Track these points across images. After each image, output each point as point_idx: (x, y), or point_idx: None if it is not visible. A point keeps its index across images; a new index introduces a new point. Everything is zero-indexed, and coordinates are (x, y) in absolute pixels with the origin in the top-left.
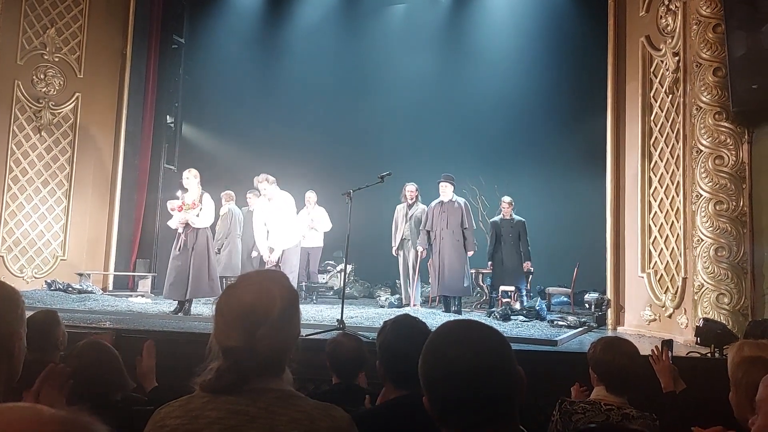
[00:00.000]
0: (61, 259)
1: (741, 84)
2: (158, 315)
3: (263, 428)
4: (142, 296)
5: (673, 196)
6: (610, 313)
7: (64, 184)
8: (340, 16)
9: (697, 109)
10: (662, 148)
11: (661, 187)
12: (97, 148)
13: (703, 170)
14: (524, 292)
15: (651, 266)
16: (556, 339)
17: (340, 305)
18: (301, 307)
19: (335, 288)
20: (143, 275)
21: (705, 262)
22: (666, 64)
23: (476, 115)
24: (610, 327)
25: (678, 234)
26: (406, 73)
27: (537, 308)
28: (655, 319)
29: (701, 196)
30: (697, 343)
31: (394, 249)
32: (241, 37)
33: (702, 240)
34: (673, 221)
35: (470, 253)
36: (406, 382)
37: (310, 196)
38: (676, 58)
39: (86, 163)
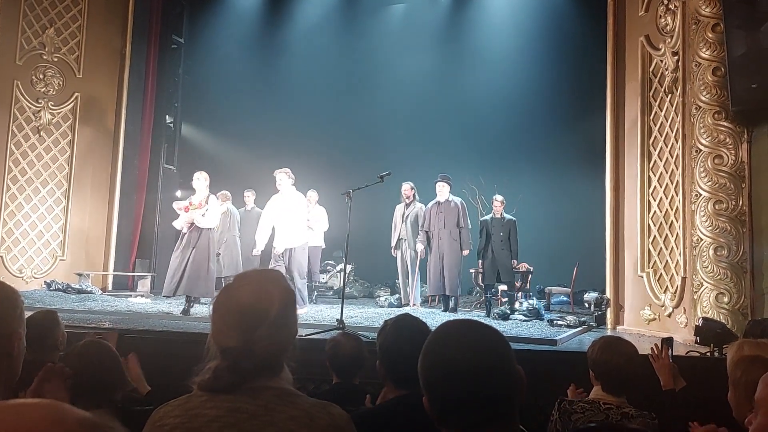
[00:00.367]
0: (61, 259)
1: (740, 83)
2: (158, 315)
3: (262, 425)
4: (142, 296)
5: (672, 196)
6: (609, 313)
7: (63, 184)
8: (340, 16)
9: (696, 108)
10: (661, 147)
11: (661, 187)
12: (96, 148)
13: (702, 170)
14: (515, 292)
15: (650, 265)
16: (555, 338)
17: (340, 305)
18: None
19: (335, 288)
20: (142, 275)
21: (704, 262)
22: (665, 63)
23: (476, 114)
24: (609, 326)
25: (677, 233)
26: (406, 73)
27: (536, 307)
28: (654, 319)
29: (700, 195)
30: (696, 342)
31: (392, 249)
32: (240, 37)
33: (701, 239)
34: (672, 221)
35: (465, 252)
36: (406, 382)
37: (311, 195)
38: (676, 57)
39: (85, 163)
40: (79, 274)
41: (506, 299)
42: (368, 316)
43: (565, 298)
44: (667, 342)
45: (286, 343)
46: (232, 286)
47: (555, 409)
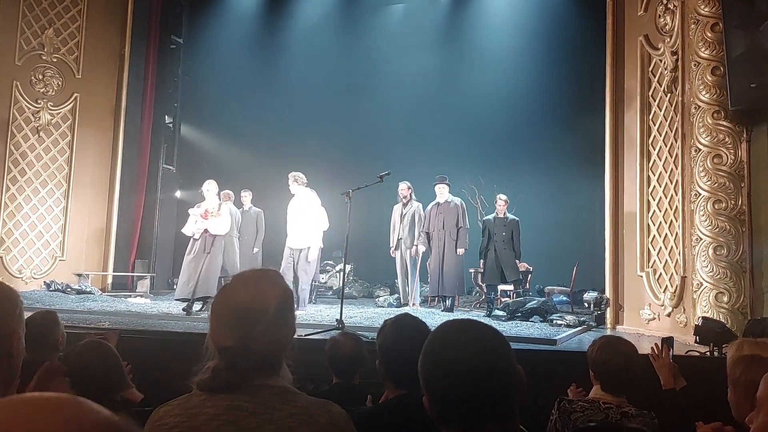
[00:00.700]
0: (60, 260)
1: (739, 83)
2: (157, 315)
3: (262, 423)
4: (141, 296)
5: (671, 195)
6: (609, 312)
7: (62, 184)
8: (339, 16)
9: (695, 108)
10: (661, 147)
11: (660, 186)
12: (95, 149)
13: (701, 169)
14: (521, 289)
15: (650, 265)
16: (555, 338)
17: (340, 305)
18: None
19: (334, 288)
20: (142, 275)
21: (704, 261)
22: (664, 63)
23: (475, 114)
24: (609, 326)
25: (677, 233)
26: (406, 72)
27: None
28: (654, 318)
29: (700, 194)
30: (696, 341)
31: (391, 249)
32: (239, 37)
33: (701, 239)
34: (671, 220)
35: (460, 251)
36: (405, 382)
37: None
38: (675, 57)
39: (85, 164)
40: (79, 275)
41: (506, 298)
42: (368, 316)
43: (564, 298)
44: (668, 342)
45: (284, 341)
46: (229, 286)
47: (555, 409)
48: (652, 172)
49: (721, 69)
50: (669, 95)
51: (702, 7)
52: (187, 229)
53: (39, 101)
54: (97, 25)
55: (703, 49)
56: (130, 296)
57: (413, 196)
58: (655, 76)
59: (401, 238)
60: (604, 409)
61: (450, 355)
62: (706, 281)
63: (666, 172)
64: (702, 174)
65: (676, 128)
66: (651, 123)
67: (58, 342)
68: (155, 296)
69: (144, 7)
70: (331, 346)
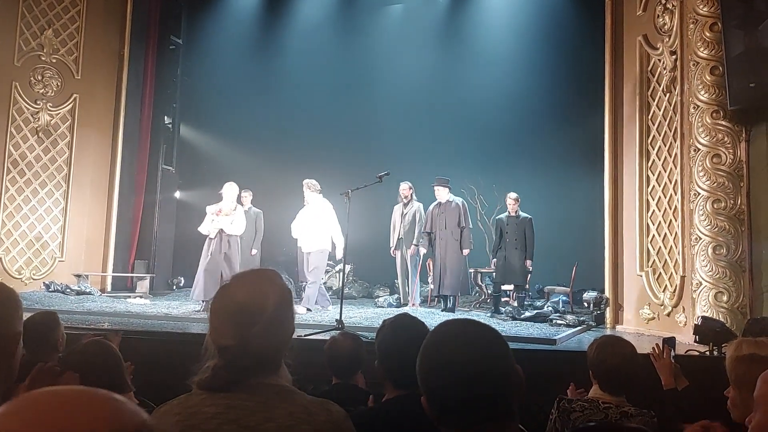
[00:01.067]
0: (60, 261)
1: (738, 82)
2: (156, 316)
3: (261, 421)
4: (141, 297)
5: (671, 195)
6: (608, 312)
7: (62, 185)
8: (338, 17)
9: (694, 107)
10: (660, 146)
11: (659, 186)
12: (94, 150)
13: (700, 169)
14: (523, 293)
15: (649, 265)
16: (555, 338)
17: (339, 305)
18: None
19: (334, 288)
20: (142, 276)
21: (703, 261)
22: (663, 62)
23: (474, 114)
24: (608, 326)
25: (676, 232)
26: (404, 72)
27: (544, 311)
28: (653, 318)
29: (699, 194)
30: (695, 341)
31: (391, 249)
32: (239, 38)
33: (700, 238)
34: (671, 220)
35: (466, 252)
36: (404, 382)
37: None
38: (674, 56)
39: (84, 165)
40: (78, 276)
41: (506, 297)
42: (367, 316)
43: (564, 298)
44: (669, 342)
45: (283, 340)
46: (228, 285)
47: (554, 408)
48: (652, 171)
49: (720, 69)
50: (668, 95)
51: (701, 6)
52: (203, 228)
53: (38, 102)
54: (97, 26)
55: (701, 49)
56: (129, 297)
57: (414, 197)
58: (654, 76)
59: (401, 238)
60: (604, 409)
61: (448, 355)
62: (706, 281)
63: (665, 171)
64: (701, 173)
65: (675, 128)
66: (650, 123)
67: (58, 343)
68: (155, 297)
69: (143, 8)
70: (331, 346)
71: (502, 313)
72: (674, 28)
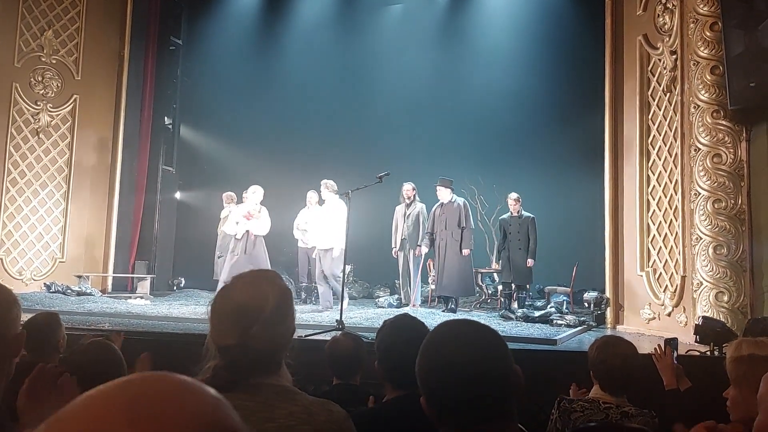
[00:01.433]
0: (60, 261)
1: (738, 82)
2: (157, 316)
3: (262, 421)
4: (141, 298)
5: (671, 195)
6: (609, 312)
7: (62, 186)
8: (338, 17)
9: (694, 107)
10: (660, 146)
11: (660, 186)
12: (94, 150)
13: (701, 168)
14: (524, 293)
15: (650, 265)
16: (555, 338)
17: (340, 305)
18: (300, 307)
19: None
20: (142, 277)
21: (704, 261)
22: (663, 62)
23: (474, 114)
24: (609, 326)
25: (677, 232)
26: (404, 73)
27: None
28: (654, 318)
29: (699, 194)
30: (696, 341)
31: (394, 250)
32: (239, 39)
33: (701, 238)
34: (671, 220)
35: (465, 252)
36: (404, 383)
37: (311, 196)
38: (674, 56)
39: (84, 165)
40: (79, 276)
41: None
42: (368, 316)
43: (564, 298)
44: (671, 343)
45: (284, 340)
46: (228, 286)
47: (555, 408)
48: (652, 171)
49: (720, 68)
50: (668, 95)
51: (701, 6)
52: (229, 229)
53: (38, 103)
54: (97, 26)
55: (702, 49)
56: (130, 297)
57: (417, 197)
58: (654, 76)
59: (405, 239)
60: (604, 409)
61: (448, 355)
62: (706, 280)
63: (665, 171)
64: (701, 173)
65: (676, 128)
66: (650, 122)
67: (59, 343)
68: (155, 297)
69: (143, 9)
70: (331, 346)
71: (513, 314)
72: (674, 28)
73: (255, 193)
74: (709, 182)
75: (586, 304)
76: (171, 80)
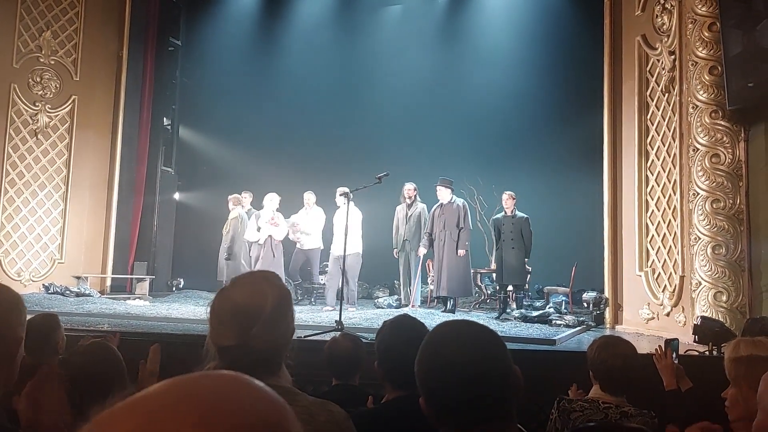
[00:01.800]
0: (59, 262)
1: (737, 82)
2: (156, 317)
3: None
4: (140, 299)
5: (670, 195)
6: (608, 312)
7: (61, 187)
8: (337, 18)
9: (693, 107)
10: (659, 146)
11: (658, 186)
12: (93, 151)
13: (699, 168)
14: (522, 293)
15: (648, 265)
16: (554, 338)
17: (339, 306)
18: (299, 308)
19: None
20: (141, 278)
21: (702, 260)
22: (662, 62)
23: (473, 115)
24: (608, 326)
25: (675, 232)
26: (404, 73)
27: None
28: (653, 318)
29: (698, 194)
30: (695, 341)
31: (395, 251)
32: (237, 39)
33: (699, 238)
34: (670, 220)
35: (461, 252)
36: (404, 383)
37: (308, 197)
38: (672, 56)
39: (83, 166)
40: (78, 277)
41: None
42: (367, 317)
43: (563, 298)
44: (672, 344)
45: (284, 340)
46: (227, 287)
47: (554, 408)
48: (651, 171)
49: (719, 68)
50: (667, 95)
51: (699, 6)
52: (251, 235)
53: (37, 104)
54: (95, 27)
55: (700, 49)
56: (129, 298)
57: (418, 198)
58: (652, 76)
59: (407, 240)
60: (604, 409)
61: (447, 356)
62: (705, 280)
63: (664, 171)
64: (700, 173)
65: (674, 128)
66: (649, 123)
67: (58, 345)
68: (154, 298)
69: (142, 10)
70: (330, 347)
71: (510, 315)
72: (673, 28)
73: (272, 201)
74: (707, 182)
75: (585, 304)
76: (170, 81)
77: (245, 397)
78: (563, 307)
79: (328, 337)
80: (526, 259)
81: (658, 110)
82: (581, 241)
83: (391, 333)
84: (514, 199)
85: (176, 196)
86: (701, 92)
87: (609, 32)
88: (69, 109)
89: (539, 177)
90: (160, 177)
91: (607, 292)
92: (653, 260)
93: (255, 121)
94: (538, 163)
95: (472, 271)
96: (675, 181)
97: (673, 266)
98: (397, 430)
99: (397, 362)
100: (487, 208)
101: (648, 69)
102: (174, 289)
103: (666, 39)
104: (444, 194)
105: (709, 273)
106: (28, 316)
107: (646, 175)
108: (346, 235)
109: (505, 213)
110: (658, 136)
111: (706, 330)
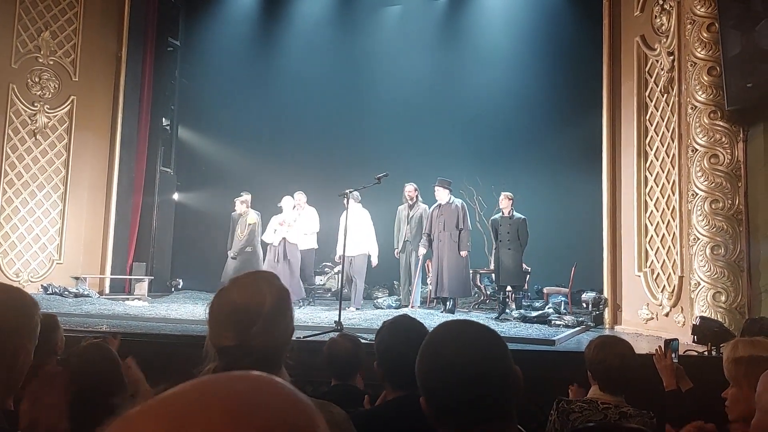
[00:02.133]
0: (57, 263)
1: (735, 83)
2: (155, 318)
3: None
4: (139, 299)
5: (669, 195)
6: (607, 313)
7: (59, 187)
8: (336, 19)
9: (692, 108)
10: (658, 147)
11: (657, 186)
12: (92, 152)
13: (698, 169)
14: (521, 294)
15: (647, 265)
16: (553, 338)
17: (338, 306)
18: (297, 309)
19: (333, 290)
20: (140, 278)
21: (701, 261)
22: (661, 63)
23: (473, 115)
24: (607, 326)
25: (674, 233)
26: (403, 73)
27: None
28: (652, 318)
29: (697, 194)
30: (694, 341)
31: (396, 251)
32: (236, 39)
33: (698, 238)
34: (669, 220)
35: (463, 254)
36: (404, 383)
37: (299, 197)
38: (671, 57)
39: (82, 167)
40: (76, 278)
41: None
42: (366, 317)
43: (563, 298)
44: (672, 344)
45: (283, 340)
46: (226, 288)
47: (553, 409)
48: (649, 172)
49: (718, 69)
50: (665, 95)
51: (698, 7)
52: (268, 237)
53: (35, 104)
54: (94, 27)
55: (699, 50)
56: (128, 299)
57: (419, 198)
58: (651, 77)
59: (408, 241)
60: (603, 409)
61: (447, 356)
62: (704, 281)
63: (663, 172)
64: (699, 174)
65: (673, 128)
66: (648, 123)
67: (57, 346)
68: (153, 299)
69: (140, 10)
70: (330, 347)
71: (509, 315)
72: (672, 29)
73: (288, 203)
74: (706, 183)
75: (584, 305)
76: (169, 81)
77: (276, 400)
78: (562, 307)
79: (327, 337)
80: (523, 260)
81: (657, 111)
82: (580, 242)
83: (391, 333)
84: (511, 199)
85: (175, 196)
86: (700, 93)
87: (608, 33)
88: (68, 110)
89: (538, 177)
90: (159, 177)
91: (607, 293)
92: (652, 261)
93: (254, 121)
94: (537, 163)
95: (471, 271)
96: (674, 181)
97: (672, 267)
98: (397, 430)
99: (396, 362)
100: (487, 208)
101: (647, 69)
102: (173, 289)
103: (665, 39)
104: (442, 195)
105: (708, 273)
106: None
107: (645, 176)
108: (345, 235)
109: (503, 214)
110: (657, 136)
111: (705, 330)
